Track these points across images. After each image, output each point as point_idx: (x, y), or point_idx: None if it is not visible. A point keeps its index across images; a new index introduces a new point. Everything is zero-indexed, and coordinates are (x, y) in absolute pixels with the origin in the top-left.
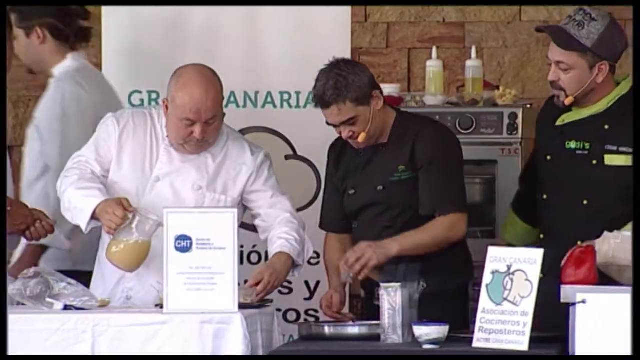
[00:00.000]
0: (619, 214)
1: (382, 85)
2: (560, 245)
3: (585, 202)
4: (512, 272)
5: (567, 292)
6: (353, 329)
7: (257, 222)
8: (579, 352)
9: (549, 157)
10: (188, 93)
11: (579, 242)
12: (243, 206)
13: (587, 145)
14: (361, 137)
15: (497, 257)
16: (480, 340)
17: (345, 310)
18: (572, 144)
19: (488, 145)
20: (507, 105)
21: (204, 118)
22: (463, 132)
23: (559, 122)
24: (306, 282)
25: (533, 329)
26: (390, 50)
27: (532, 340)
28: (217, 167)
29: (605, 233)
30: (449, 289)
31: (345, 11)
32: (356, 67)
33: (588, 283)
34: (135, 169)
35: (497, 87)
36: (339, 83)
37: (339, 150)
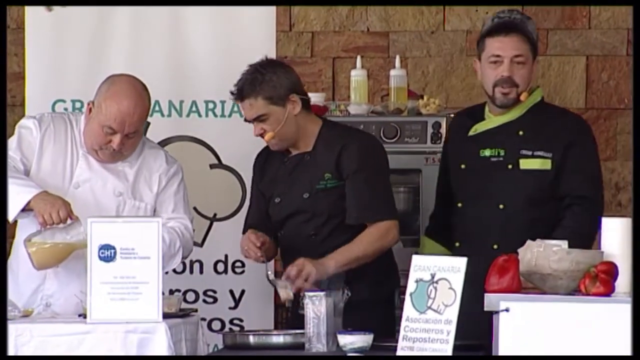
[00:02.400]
0: (530, 218)
1: None
2: (476, 252)
3: (501, 206)
4: (436, 280)
5: (491, 300)
6: (277, 338)
7: None
8: None
9: (463, 166)
10: (117, 102)
11: (494, 247)
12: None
13: (502, 152)
14: (267, 136)
15: (421, 266)
16: (404, 349)
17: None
18: (487, 152)
19: (412, 154)
20: (431, 115)
21: (126, 130)
22: (387, 141)
23: (471, 133)
24: (231, 291)
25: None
26: (315, 60)
27: (456, 349)
28: (135, 175)
29: (529, 242)
30: (375, 298)
31: (270, 20)
32: (278, 68)
33: (511, 291)
34: (55, 174)
35: (421, 97)
36: (255, 79)
37: (263, 159)
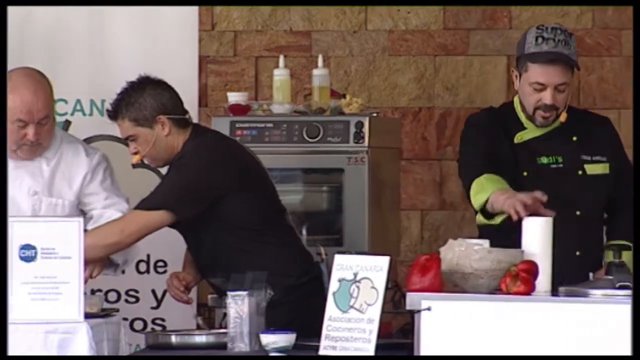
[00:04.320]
0: (601, 222)
1: (229, 94)
2: (557, 259)
3: (578, 212)
4: (359, 279)
5: (413, 299)
6: (200, 338)
7: (89, 224)
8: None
9: (525, 174)
10: (18, 95)
11: (577, 253)
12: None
13: (560, 159)
14: (135, 158)
15: (343, 265)
16: (326, 348)
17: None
18: (544, 159)
19: (335, 153)
20: (354, 114)
21: (36, 118)
22: (310, 140)
23: (517, 140)
24: (153, 291)
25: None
26: (238, 59)
27: (378, 348)
28: (52, 171)
29: (450, 241)
30: (279, 295)
31: (192, 19)
32: (148, 89)
33: (433, 290)
34: None
35: (344, 96)
36: (122, 101)
37: None
